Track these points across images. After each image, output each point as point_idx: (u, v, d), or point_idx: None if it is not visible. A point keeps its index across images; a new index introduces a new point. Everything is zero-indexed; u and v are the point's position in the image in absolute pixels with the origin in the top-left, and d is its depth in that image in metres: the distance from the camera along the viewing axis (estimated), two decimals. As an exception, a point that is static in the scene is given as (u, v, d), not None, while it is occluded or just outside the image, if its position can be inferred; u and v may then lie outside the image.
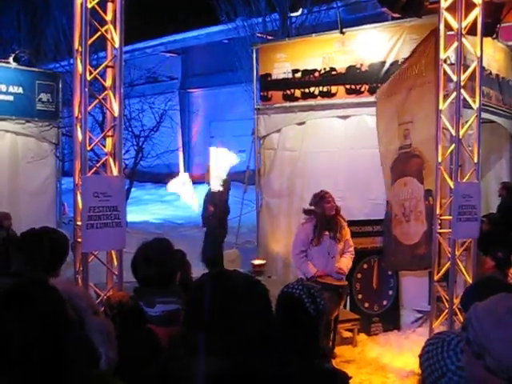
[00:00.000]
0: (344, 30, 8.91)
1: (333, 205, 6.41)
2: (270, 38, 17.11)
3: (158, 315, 2.83)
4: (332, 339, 6.42)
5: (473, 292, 2.92)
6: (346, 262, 6.47)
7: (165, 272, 2.90)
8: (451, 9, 6.23)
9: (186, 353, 1.78)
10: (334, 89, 9.06)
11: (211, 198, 9.89)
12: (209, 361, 1.69)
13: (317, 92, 9.27)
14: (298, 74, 9.47)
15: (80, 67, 4.75)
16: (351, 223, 7.70)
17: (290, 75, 9.58)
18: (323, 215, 6.39)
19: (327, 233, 6.41)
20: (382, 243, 7.79)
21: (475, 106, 6.46)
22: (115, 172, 4.95)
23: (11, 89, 11.57)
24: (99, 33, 4.87)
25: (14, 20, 21.29)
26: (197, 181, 21.45)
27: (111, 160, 4.98)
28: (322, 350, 2.43)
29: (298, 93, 9.51)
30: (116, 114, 4.89)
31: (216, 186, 9.57)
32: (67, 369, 1.64)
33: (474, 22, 6.26)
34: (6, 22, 21.09)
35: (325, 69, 9.13)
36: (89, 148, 4.85)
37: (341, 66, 8.97)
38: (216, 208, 10.03)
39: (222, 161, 10.09)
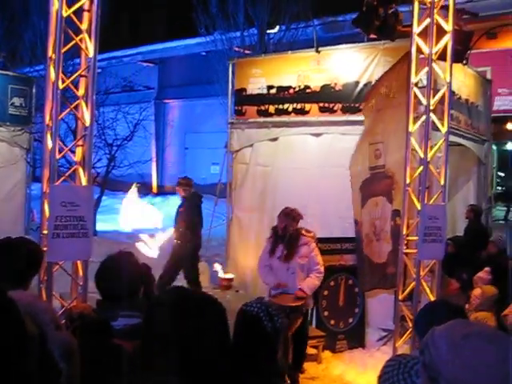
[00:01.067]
0: (320, 48, 9.04)
1: (285, 222, 6.42)
2: (247, 52, 17.24)
3: (120, 329, 2.80)
4: (298, 355, 6.46)
5: (425, 317, 2.98)
6: (309, 282, 6.39)
7: (128, 286, 2.89)
8: (423, 34, 6.38)
9: (143, 368, 1.79)
10: (307, 106, 9.17)
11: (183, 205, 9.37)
12: (165, 380, 1.70)
13: (291, 109, 9.37)
14: (273, 90, 9.56)
15: (53, 75, 4.73)
16: (320, 240, 7.74)
17: (265, 91, 9.67)
18: (277, 230, 6.53)
19: (281, 248, 6.47)
20: (354, 262, 7.85)
21: (444, 129, 6.59)
22: (84, 182, 4.92)
23: (-16, 92, 11.44)
24: (74, 41, 4.85)
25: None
26: (169, 192, 21.45)
27: (80, 169, 4.95)
28: (279, 369, 2.44)
29: (272, 109, 9.59)
30: (87, 123, 4.86)
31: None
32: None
33: (445, 48, 6.41)
34: (-18, 25, 20.82)
35: (299, 86, 9.23)
36: (58, 156, 4.80)
37: (315, 84, 9.08)
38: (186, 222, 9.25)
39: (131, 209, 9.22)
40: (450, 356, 1.59)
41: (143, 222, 7.98)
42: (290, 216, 6.42)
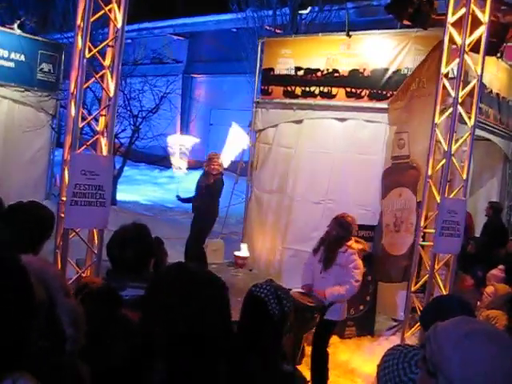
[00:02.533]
0: (351, 33, 8.91)
1: (331, 226, 6.02)
2: (278, 31, 17.09)
3: (128, 299, 2.83)
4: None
5: (432, 310, 2.96)
6: (334, 289, 5.88)
7: (138, 257, 2.91)
8: (457, 24, 6.24)
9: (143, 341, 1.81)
10: (334, 90, 9.08)
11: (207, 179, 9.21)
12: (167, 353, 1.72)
13: (317, 92, 9.28)
14: (301, 72, 9.48)
15: (80, 43, 4.74)
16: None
17: (293, 72, 9.59)
18: (326, 234, 6.18)
19: (322, 251, 6.12)
20: (369, 250, 7.79)
21: (470, 123, 6.48)
22: (105, 151, 4.95)
23: (13, 55, 11.51)
24: (103, 11, 4.85)
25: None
26: (192, 167, 21.50)
27: (102, 139, 4.98)
28: (284, 351, 2.45)
29: (298, 90, 9.52)
30: (111, 94, 4.88)
31: (226, 162, 9.38)
32: (28, 352, 1.64)
33: (479, 40, 6.27)
34: (16, -13, 20.92)
35: (328, 69, 9.13)
36: (81, 125, 4.84)
37: (344, 68, 8.98)
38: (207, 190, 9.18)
39: (237, 141, 9.91)
40: (451, 353, 1.58)
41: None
42: (337, 221, 6.00)
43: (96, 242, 5.04)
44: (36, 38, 12.68)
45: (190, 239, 9.28)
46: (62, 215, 4.81)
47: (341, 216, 6.04)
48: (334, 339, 7.40)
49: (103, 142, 5.00)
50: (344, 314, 6.12)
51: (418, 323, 6.58)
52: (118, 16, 4.86)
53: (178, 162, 9.73)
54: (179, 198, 9.79)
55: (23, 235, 3.00)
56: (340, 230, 5.93)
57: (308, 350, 6.15)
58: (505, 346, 1.54)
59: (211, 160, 9.17)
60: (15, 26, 11.67)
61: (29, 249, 2.76)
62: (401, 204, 7.53)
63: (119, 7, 4.86)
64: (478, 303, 5.90)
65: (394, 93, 8.14)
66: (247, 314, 2.38)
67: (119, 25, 4.85)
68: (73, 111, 4.79)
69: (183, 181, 10.93)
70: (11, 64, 11.51)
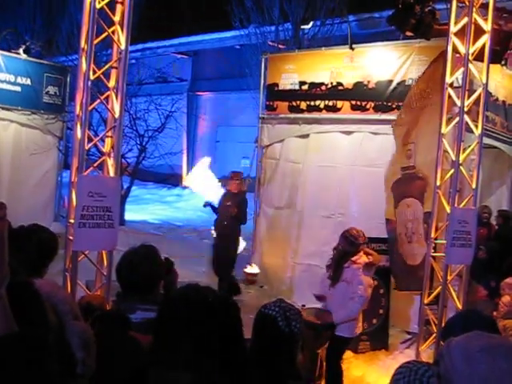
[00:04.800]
0: (354, 45, 8.93)
1: (339, 241, 5.97)
2: (281, 46, 17.15)
3: (138, 322, 2.81)
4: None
5: (455, 325, 2.90)
6: (339, 315, 5.76)
7: (148, 279, 2.89)
8: (460, 33, 6.23)
9: (152, 363, 1.78)
10: (339, 104, 9.08)
11: (230, 199, 8.95)
12: (176, 375, 1.69)
13: (322, 105, 9.29)
14: (305, 86, 9.49)
15: (84, 66, 4.76)
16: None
17: (297, 87, 9.61)
18: (334, 249, 6.11)
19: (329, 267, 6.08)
20: (387, 263, 7.73)
21: (477, 131, 6.44)
22: (112, 173, 4.95)
23: (19, 80, 11.64)
24: (106, 33, 4.88)
25: (30, 12, 21.41)
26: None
27: (109, 160, 4.98)
28: (297, 372, 2.41)
29: (303, 105, 9.53)
30: (117, 115, 4.89)
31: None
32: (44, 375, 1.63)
33: (482, 48, 6.25)
34: (22, 13, 21.19)
35: (332, 83, 9.15)
36: (87, 147, 4.85)
37: (348, 81, 8.99)
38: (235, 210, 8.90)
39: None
40: (465, 368, 1.55)
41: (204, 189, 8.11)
42: (343, 235, 5.91)
43: (105, 263, 5.03)
44: (41, 61, 12.81)
45: (223, 266, 9.01)
46: (71, 238, 4.81)
47: (346, 230, 5.98)
48: (348, 354, 7.32)
49: (110, 162, 5.00)
50: (356, 330, 5.96)
51: (433, 336, 6.51)
52: (121, 38, 4.89)
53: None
54: (206, 204, 9.26)
55: (24, 260, 2.99)
56: (345, 245, 5.86)
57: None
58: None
59: (231, 179, 9.09)
60: (21, 50, 11.79)
61: (33, 273, 2.74)
62: (410, 215, 7.49)
63: (122, 29, 4.89)
64: (495, 313, 5.82)
65: (400, 104, 8.12)
66: (257, 334, 2.36)
67: (123, 46, 4.87)
68: (79, 133, 4.80)
69: (190, 199, 10.95)
70: (17, 88, 11.62)
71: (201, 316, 1.68)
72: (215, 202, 9.19)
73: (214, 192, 8.69)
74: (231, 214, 8.73)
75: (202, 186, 8.32)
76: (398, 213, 7.67)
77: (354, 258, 5.79)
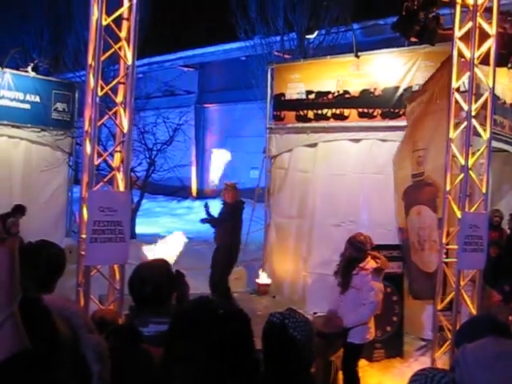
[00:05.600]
0: (359, 53, 8.96)
1: (345, 247, 5.97)
2: (287, 56, 17.21)
3: (151, 335, 2.82)
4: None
5: (467, 331, 2.88)
6: (349, 320, 5.78)
7: (160, 293, 2.90)
8: (465, 38, 6.24)
9: (164, 377, 1.79)
10: (346, 112, 9.10)
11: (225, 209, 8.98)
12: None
13: (329, 114, 9.31)
14: (312, 96, 9.52)
15: (92, 82, 4.81)
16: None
17: (304, 96, 9.63)
18: (341, 256, 6.10)
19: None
20: (392, 269, 7.69)
21: (486, 135, 6.42)
22: (122, 187, 4.98)
23: (28, 97, 11.77)
24: (113, 49, 4.93)
25: (37, 28, 21.65)
26: (208, 196, 21.58)
27: (118, 175, 5.01)
28: (311, 381, 2.42)
29: (310, 114, 9.55)
30: (125, 130, 4.93)
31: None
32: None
33: (488, 52, 6.25)
34: (29, 30, 21.44)
35: (338, 91, 9.17)
36: (96, 162, 4.88)
37: (355, 89, 9.00)
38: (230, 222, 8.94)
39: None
40: (481, 374, 1.54)
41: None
42: (349, 242, 5.91)
43: (117, 277, 5.05)
44: (49, 78, 12.95)
45: (215, 272, 9.05)
46: (83, 253, 4.83)
47: (353, 236, 5.98)
48: (363, 362, 7.27)
49: (119, 177, 5.04)
50: (367, 336, 5.94)
51: (448, 342, 6.45)
52: (127, 53, 4.94)
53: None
54: (203, 220, 9.25)
55: (34, 276, 3.00)
56: (352, 251, 5.86)
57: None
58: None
59: (224, 190, 9.07)
60: (29, 68, 11.92)
61: (42, 289, 2.75)
62: (420, 222, 7.44)
63: (128, 44, 4.94)
64: (510, 318, 5.78)
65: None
66: (265, 343, 2.37)
67: (129, 62, 4.92)
68: (88, 149, 4.84)
69: (201, 211, 10.95)
70: (27, 106, 11.76)
71: (212, 328, 1.69)
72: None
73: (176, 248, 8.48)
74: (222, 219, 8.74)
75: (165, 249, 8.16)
76: (409, 221, 7.64)
77: (361, 265, 5.79)
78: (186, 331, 1.73)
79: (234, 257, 9.09)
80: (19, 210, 9.83)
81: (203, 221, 9.18)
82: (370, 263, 5.81)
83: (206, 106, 25.21)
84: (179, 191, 20.71)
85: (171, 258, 7.44)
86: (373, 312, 5.83)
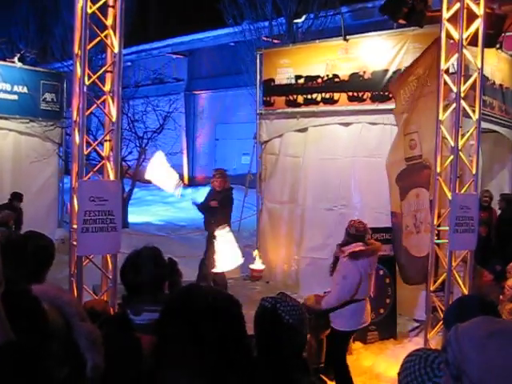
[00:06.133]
0: (347, 37, 8.92)
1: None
2: (276, 41, 17.15)
3: (145, 323, 2.83)
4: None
5: (455, 310, 2.91)
6: (324, 302, 5.76)
7: (152, 281, 2.90)
8: (453, 19, 6.22)
9: (156, 365, 1.80)
10: (336, 96, 9.08)
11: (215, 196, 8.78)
12: (180, 375, 1.71)
13: (319, 98, 9.28)
14: (301, 80, 9.49)
15: (79, 71, 4.77)
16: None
17: (293, 81, 9.60)
18: None
19: None
20: (385, 252, 7.70)
21: (475, 116, 6.44)
22: (112, 176, 4.97)
23: (16, 88, 11.67)
24: (99, 38, 4.88)
25: (23, 19, 21.44)
26: (200, 183, 21.56)
27: (108, 164, 4.99)
28: (304, 365, 2.43)
29: (300, 99, 9.52)
30: (114, 118, 4.90)
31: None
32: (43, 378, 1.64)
33: (476, 33, 6.24)
34: (15, 20, 21.24)
35: (328, 75, 9.14)
36: (86, 152, 4.86)
37: (344, 72, 8.98)
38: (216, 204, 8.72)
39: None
40: (474, 355, 1.54)
41: (164, 180, 7.80)
42: (346, 228, 5.88)
43: (110, 266, 5.04)
44: (37, 68, 12.85)
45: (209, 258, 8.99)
46: (75, 243, 4.82)
47: (349, 222, 5.96)
48: (357, 345, 7.34)
49: (109, 166, 5.01)
50: (354, 324, 5.79)
51: (441, 322, 6.51)
52: (114, 41, 4.89)
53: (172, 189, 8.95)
54: (194, 203, 9.14)
55: (22, 267, 3.00)
56: (345, 236, 5.86)
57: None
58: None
59: (213, 177, 8.98)
60: (16, 59, 11.81)
61: (32, 280, 2.75)
62: (419, 205, 7.44)
63: (115, 32, 4.89)
64: (501, 297, 5.83)
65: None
66: (257, 327, 2.39)
67: (116, 50, 4.87)
68: (77, 139, 4.81)
69: (194, 197, 11.00)
70: (15, 97, 11.66)
71: (202, 315, 1.70)
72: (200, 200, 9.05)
73: (175, 183, 8.35)
74: (214, 210, 8.63)
75: (163, 178, 8.01)
76: (406, 204, 7.64)
77: (344, 248, 5.75)
78: (174, 319, 1.74)
79: None
80: (16, 198, 10.03)
81: (196, 205, 9.07)
82: (354, 247, 5.72)
83: (195, 93, 25.10)
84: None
85: (174, 176, 7.56)
86: (339, 295, 5.66)
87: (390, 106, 8.14)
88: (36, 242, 3.30)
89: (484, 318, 1.72)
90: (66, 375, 1.74)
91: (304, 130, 9.59)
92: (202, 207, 8.88)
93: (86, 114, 4.80)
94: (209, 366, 1.66)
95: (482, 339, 1.53)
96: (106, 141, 5.07)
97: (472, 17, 6.21)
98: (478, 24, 6.22)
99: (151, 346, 2.51)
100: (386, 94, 8.45)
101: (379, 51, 8.59)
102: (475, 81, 6.44)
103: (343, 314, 5.73)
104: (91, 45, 4.81)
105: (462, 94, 6.28)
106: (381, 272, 7.74)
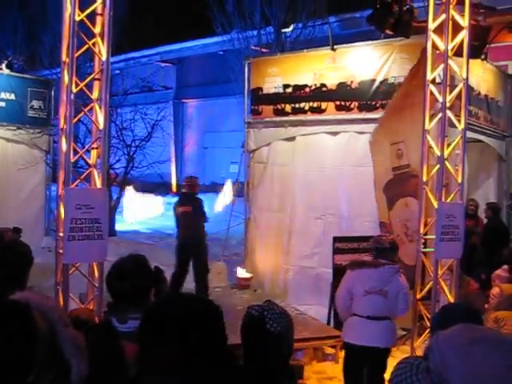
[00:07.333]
0: (335, 46, 8.97)
1: None
2: (264, 50, 17.22)
3: (131, 331, 2.82)
4: None
5: (438, 318, 2.93)
6: None
7: (137, 288, 2.90)
8: (439, 30, 6.31)
9: (140, 371, 1.81)
10: (324, 105, 9.11)
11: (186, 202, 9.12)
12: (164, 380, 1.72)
13: (307, 107, 9.32)
14: (289, 89, 9.52)
15: (66, 79, 4.77)
16: (338, 240, 7.74)
17: (281, 90, 9.63)
18: None
19: None
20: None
21: (460, 126, 6.51)
22: (99, 184, 4.96)
23: (3, 95, 11.61)
24: (87, 45, 4.89)
25: (12, 26, 21.36)
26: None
27: (95, 172, 4.98)
28: (291, 372, 2.44)
29: (288, 108, 9.55)
30: (101, 126, 4.90)
31: None
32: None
33: (461, 44, 6.32)
34: (4, 27, 21.15)
35: (315, 84, 9.18)
36: (73, 160, 4.85)
37: (331, 82, 9.02)
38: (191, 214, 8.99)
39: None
40: (457, 363, 1.54)
41: (145, 212, 8.07)
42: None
43: (96, 274, 5.02)
44: (24, 76, 12.79)
45: (203, 267, 9.03)
46: (61, 251, 4.80)
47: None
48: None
49: (96, 174, 5.01)
50: (359, 339, 5.40)
51: (427, 331, 6.53)
52: (102, 49, 4.90)
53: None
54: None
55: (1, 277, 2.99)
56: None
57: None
58: (509, 351, 1.52)
59: (189, 183, 9.26)
60: (3, 65, 11.76)
61: (14, 287, 2.74)
62: (409, 214, 7.46)
63: (103, 40, 4.90)
64: (486, 306, 5.86)
65: (384, 102, 8.18)
66: (243, 335, 2.40)
67: (104, 57, 4.88)
68: (64, 146, 4.81)
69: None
70: (2, 103, 11.60)
71: (182, 320, 1.71)
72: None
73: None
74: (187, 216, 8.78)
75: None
76: (395, 213, 7.67)
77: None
78: (157, 324, 1.74)
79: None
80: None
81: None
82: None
83: (184, 101, 25.11)
84: (159, 187, 20.61)
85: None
86: (337, 306, 5.70)
87: (378, 115, 8.20)
88: (12, 250, 3.29)
89: (465, 325, 1.73)
90: (50, 381, 1.74)
91: (292, 138, 9.61)
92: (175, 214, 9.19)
93: (73, 121, 4.80)
94: (193, 371, 1.67)
95: (465, 347, 1.54)
96: (93, 148, 5.06)
97: (457, 28, 6.30)
98: (463, 35, 6.31)
99: (136, 353, 2.51)
100: (374, 103, 8.51)
101: (366, 61, 8.65)
102: (461, 91, 6.52)
103: (348, 325, 5.55)
104: (79, 52, 4.82)
105: (448, 104, 6.35)
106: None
